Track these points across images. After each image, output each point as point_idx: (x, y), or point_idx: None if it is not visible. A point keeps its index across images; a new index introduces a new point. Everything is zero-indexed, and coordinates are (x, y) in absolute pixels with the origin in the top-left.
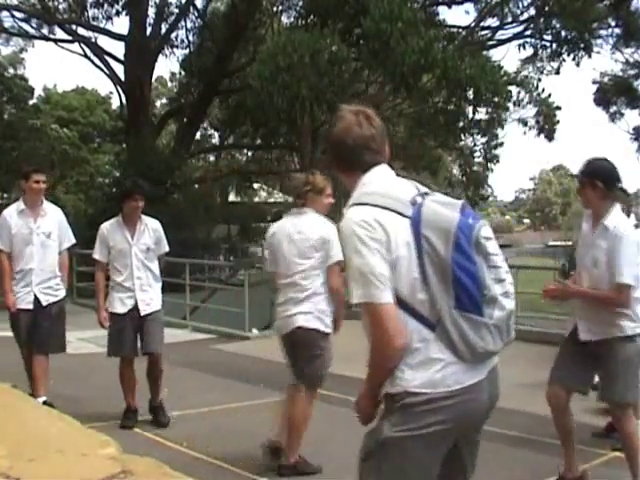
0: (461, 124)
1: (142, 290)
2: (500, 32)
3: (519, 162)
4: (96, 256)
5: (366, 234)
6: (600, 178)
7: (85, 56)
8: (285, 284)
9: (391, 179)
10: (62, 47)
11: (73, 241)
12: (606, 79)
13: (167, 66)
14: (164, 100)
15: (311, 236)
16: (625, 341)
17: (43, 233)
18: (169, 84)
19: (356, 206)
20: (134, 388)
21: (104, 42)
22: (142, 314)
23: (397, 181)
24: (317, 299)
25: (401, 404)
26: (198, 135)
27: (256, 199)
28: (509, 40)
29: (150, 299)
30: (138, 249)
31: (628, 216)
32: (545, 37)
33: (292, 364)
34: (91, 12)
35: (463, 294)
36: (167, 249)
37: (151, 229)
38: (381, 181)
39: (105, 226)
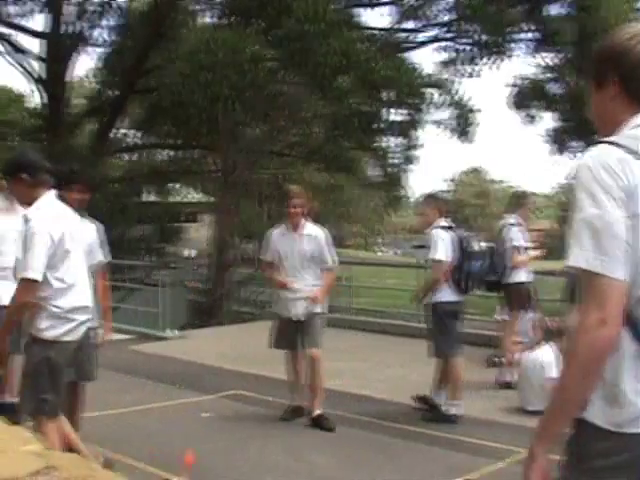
0: (377, 125)
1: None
2: (419, 35)
3: (436, 164)
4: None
5: (609, 178)
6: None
7: (2, 53)
8: None
9: None
10: None
11: None
12: (522, 82)
13: (87, 65)
14: (84, 99)
15: None
16: None
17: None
18: (89, 83)
19: (603, 144)
20: None
21: (22, 39)
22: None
23: None
24: None
25: (584, 447)
26: (117, 134)
27: (171, 199)
28: (428, 43)
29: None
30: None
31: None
32: (462, 41)
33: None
34: (9, 8)
35: None
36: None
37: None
38: None
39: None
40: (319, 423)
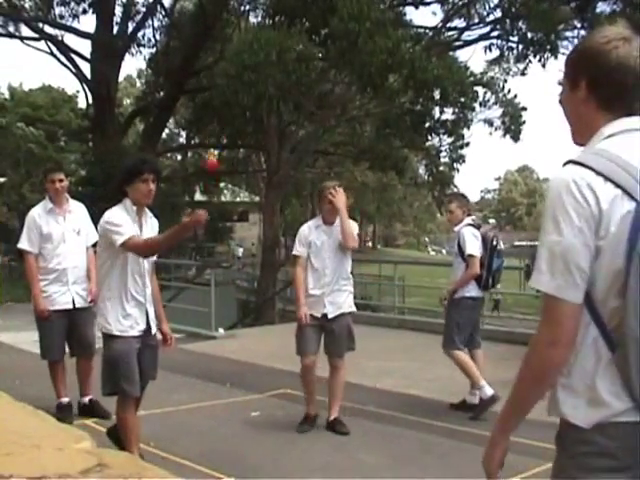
0: (428, 124)
1: (151, 304)
2: (467, 33)
3: (485, 162)
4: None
5: (574, 205)
6: None
7: (51, 54)
8: None
9: None
10: (28, 45)
11: (97, 237)
12: None
13: (135, 65)
14: (132, 99)
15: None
16: None
17: (73, 230)
18: (137, 83)
19: (573, 165)
20: None
21: (71, 40)
22: (150, 334)
23: None
24: None
25: (565, 439)
26: (165, 134)
27: (222, 198)
28: (475, 41)
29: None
30: None
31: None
32: (511, 39)
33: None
34: (58, 10)
35: None
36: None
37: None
38: (628, 140)
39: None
40: (334, 427)
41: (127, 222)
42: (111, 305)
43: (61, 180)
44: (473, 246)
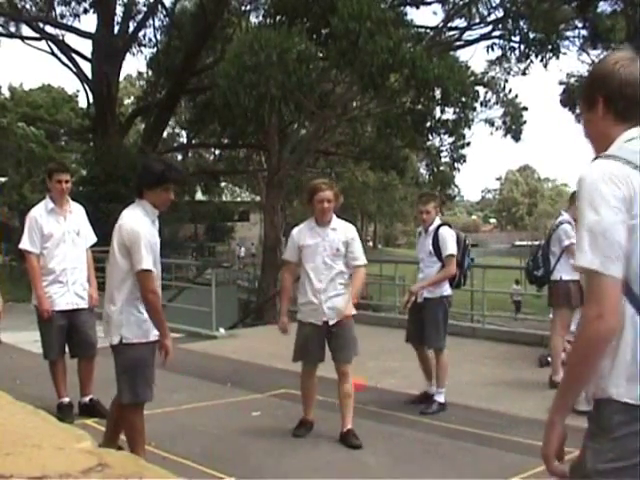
0: (428, 124)
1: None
2: (468, 33)
3: (486, 162)
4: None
5: (608, 189)
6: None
7: (52, 54)
8: None
9: None
10: (29, 45)
11: (95, 239)
12: (572, 80)
13: (135, 65)
14: (132, 99)
15: None
16: None
17: (73, 231)
18: (137, 83)
19: (603, 159)
20: None
21: (71, 40)
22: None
23: None
24: None
25: (607, 420)
26: (165, 134)
27: (223, 198)
28: (477, 41)
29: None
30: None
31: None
32: (513, 38)
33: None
34: (58, 10)
35: None
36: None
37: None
38: None
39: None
40: (346, 439)
41: (152, 246)
42: (129, 313)
43: (67, 181)
44: (453, 246)
